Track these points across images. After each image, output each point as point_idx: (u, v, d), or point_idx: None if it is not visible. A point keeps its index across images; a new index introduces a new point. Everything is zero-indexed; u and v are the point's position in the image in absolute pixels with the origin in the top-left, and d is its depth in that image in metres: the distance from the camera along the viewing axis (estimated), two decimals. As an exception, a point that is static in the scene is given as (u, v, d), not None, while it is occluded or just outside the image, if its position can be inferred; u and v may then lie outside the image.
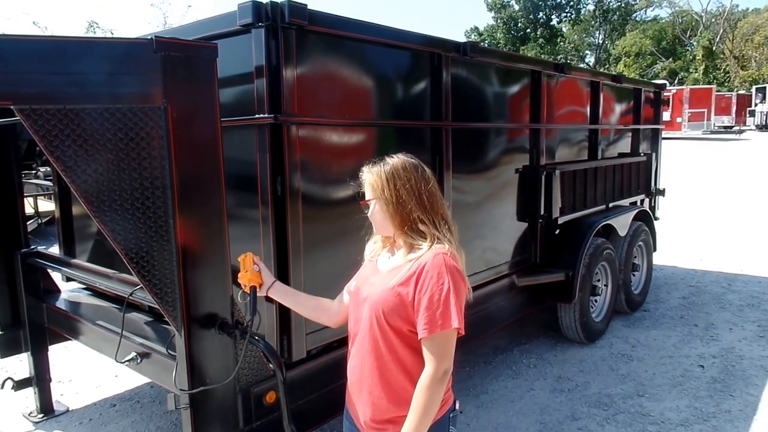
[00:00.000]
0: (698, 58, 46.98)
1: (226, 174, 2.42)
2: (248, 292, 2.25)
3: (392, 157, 1.92)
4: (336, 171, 2.95)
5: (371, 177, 1.91)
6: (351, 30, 2.99)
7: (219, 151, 2.41)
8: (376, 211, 1.90)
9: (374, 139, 3.29)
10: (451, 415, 1.91)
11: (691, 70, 47.78)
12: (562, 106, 4.94)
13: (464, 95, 3.81)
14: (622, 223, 5.50)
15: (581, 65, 53.17)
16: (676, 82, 44.86)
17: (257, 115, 2.69)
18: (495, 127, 4.22)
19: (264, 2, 2.57)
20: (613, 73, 7.18)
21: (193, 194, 2.32)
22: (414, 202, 1.84)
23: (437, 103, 3.56)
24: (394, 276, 1.83)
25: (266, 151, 2.68)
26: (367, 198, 1.94)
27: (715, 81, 43.84)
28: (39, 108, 1.97)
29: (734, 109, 35.37)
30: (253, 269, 2.24)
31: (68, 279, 4.03)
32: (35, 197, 8.38)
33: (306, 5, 2.65)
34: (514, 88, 4.41)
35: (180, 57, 2.25)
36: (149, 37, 2.18)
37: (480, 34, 56.74)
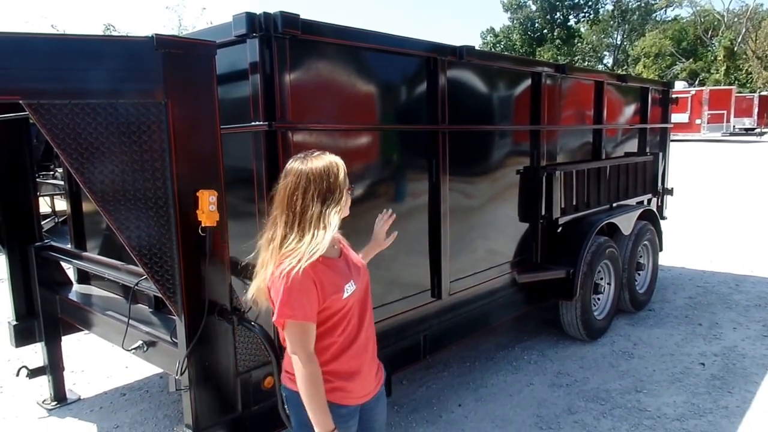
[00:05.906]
0: (720, 58, 46.21)
1: (225, 178, 2.53)
2: (203, 232, 2.37)
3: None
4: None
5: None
6: (344, 38, 3.07)
7: (218, 144, 2.51)
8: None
9: (370, 143, 3.38)
10: None
11: (712, 71, 47.05)
12: (563, 107, 4.97)
13: (461, 98, 3.87)
14: (626, 222, 5.51)
15: (599, 66, 52.62)
16: (696, 83, 44.22)
17: (253, 123, 2.79)
18: (493, 130, 4.27)
19: (258, 13, 2.68)
20: (621, 72, 7.18)
21: (193, 186, 2.42)
22: None
23: (433, 107, 3.63)
24: (355, 258, 2.14)
25: (262, 158, 2.78)
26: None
27: (737, 82, 43.16)
28: (46, 103, 2.10)
29: (756, 110, 34.70)
30: (209, 209, 2.33)
31: (80, 281, 4.18)
32: (52, 197, 8.59)
33: (298, 15, 2.75)
34: (514, 91, 4.45)
35: (180, 54, 2.36)
36: (150, 35, 2.29)
37: (496, 35, 56.46)
